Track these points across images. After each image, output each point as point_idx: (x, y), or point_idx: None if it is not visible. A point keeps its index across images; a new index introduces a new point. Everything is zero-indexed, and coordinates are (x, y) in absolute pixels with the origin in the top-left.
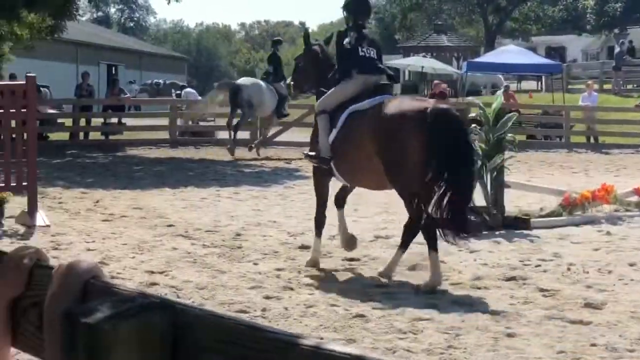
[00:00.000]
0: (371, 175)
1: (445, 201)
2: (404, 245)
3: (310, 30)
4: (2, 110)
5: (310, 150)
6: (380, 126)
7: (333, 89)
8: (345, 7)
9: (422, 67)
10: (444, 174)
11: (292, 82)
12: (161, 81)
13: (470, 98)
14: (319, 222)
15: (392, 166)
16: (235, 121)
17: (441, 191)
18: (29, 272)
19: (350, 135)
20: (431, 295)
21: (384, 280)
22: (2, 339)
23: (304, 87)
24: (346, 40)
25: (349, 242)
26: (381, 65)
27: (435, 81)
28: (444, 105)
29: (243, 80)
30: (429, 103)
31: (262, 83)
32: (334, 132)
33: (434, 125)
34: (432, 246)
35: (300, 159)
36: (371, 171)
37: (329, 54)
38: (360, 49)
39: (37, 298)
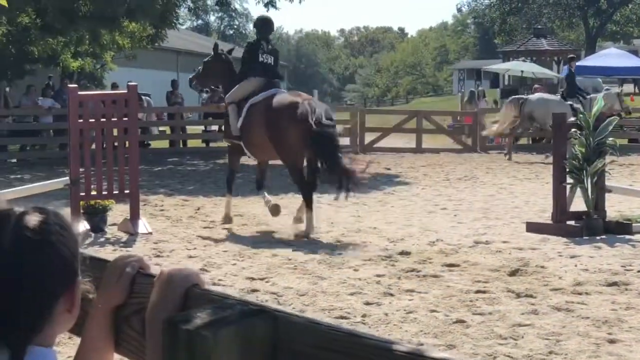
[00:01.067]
0: (268, 151)
1: (320, 169)
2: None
3: (409, 36)
4: (104, 119)
5: (225, 133)
6: (267, 115)
7: (238, 85)
8: (255, 26)
9: (522, 71)
10: (315, 150)
11: (195, 80)
12: None
13: (570, 102)
14: (229, 182)
15: (277, 145)
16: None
17: (317, 162)
18: (132, 280)
19: (251, 121)
20: (531, 301)
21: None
22: (105, 344)
23: (208, 84)
24: (249, 49)
25: (274, 209)
26: (277, 70)
27: (535, 85)
28: (311, 98)
29: (531, 96)
30: (301, 97)
31: (549, 97)
32: (240, 119)
33: (303, 115)
34: (308, 205)
35: (401, 164)
36: (267, 148)
37: (231, 60)
38: (260, 56)
39: (139, 305)
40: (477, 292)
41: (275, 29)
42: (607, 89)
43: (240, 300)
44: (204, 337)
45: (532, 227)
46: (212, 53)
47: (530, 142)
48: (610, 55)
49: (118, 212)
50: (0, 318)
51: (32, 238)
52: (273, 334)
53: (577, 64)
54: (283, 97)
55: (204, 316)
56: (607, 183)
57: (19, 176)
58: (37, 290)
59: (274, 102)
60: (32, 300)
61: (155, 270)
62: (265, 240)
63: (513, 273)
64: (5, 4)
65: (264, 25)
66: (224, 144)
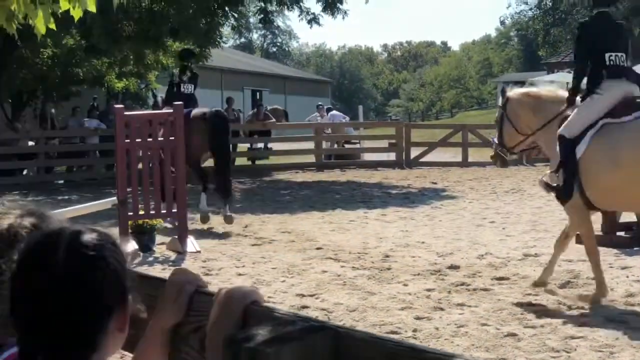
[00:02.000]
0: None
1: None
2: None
3: (452, 50)
4: (150, 139)
5: None
6: (186, 124)
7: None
8: (179, 55)
9: (567, 83)
10: (214, 154)
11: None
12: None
13: None
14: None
15: (188, 149)
16: None
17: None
18: (190, 298)
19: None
20: (583, 313)
21: None
22: None
23: None
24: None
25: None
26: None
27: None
28: (216, 110)
29: None
30: (208, 110)
31: None
32: None
33: (207, 124)
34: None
35: (447, 178)
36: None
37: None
38: (182, 86)
39: (198, 324)
40: (528, 304)
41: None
42: None
43: (301, 316)
44: (266, 355)
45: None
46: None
47: None
48: None
49: (166, 231)
50: (58, 336)
51: (86, 254)
52: (334, 350)
53: None
54: (198, 109)
55: (265, 333)
56: None
57: (66, 197)
58: (94, 306)
59: (192, 113)
60: (89, 317)
61: (213, 288)
62: (313, 256)
63: (563, 285)
64: (54, 27)
65: (187, 54)
66: (270, 161)
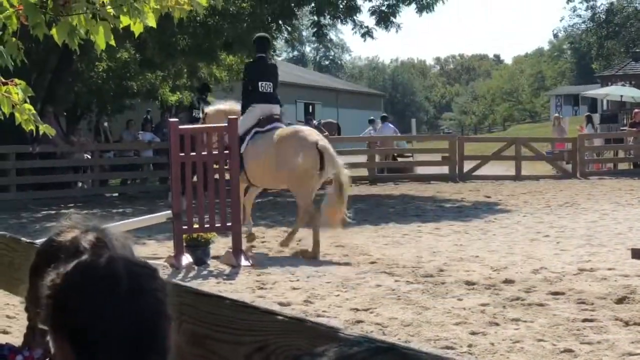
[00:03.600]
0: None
1: None
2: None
3: (504, 62)
4: (205, 152)
5: None
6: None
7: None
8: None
9: (621, 96)
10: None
11: None
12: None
13: None
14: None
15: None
16: None
17: None
18: None
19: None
20: None
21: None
22: None
23: None
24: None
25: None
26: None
27: (636, 110)
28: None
29: None
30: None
31: None
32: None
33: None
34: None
35: (501, 192)
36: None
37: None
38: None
39: (261, 343)
40: (584, 320)
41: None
42: None
43: (366, 337)
44: None
45: (638, 254)
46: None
47: (632, 167)
48: None
49: (221, 244)
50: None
51: (144, 268)
52: None
53: None
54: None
55: (330, 354)
56: None
57: (120, 210)
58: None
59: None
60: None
61: (266, 302)
62: (367, 270)
63: (620, 301)
64: (114, 43)
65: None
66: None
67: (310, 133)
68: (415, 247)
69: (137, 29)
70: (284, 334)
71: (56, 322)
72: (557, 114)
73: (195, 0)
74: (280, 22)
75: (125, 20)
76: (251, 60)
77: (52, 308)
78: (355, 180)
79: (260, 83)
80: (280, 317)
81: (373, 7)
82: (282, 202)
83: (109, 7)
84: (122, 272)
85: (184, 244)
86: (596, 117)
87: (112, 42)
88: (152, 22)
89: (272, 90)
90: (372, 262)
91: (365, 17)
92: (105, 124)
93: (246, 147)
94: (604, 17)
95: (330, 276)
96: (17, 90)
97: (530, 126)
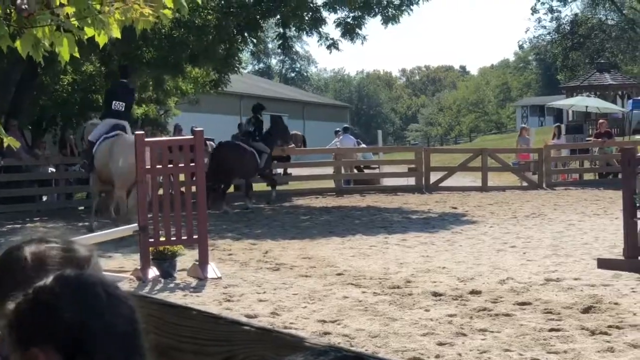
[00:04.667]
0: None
1: None
2: None
3: (470, 74)
4: (171, 165)
5: None
6: None
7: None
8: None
9: (586, 106)
10: None
11: None
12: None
13: (637, 136)
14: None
15: None
16: None
17: None
18: None
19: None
20: (606, 338)
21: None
22: None
23: None
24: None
25: None
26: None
27: (600, 120)
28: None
29: None
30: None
31: None
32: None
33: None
34: None
35: (467, 203)
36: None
37: None
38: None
39: (229, 353)
40: (551, 330)
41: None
42: None
43: (333, 346)
44: None
45: (604, 264)
46: None
47: (597, 177)
48: None
49: (187, 257)
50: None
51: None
52: None
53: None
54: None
55: None
56: None
57: (87, 223)
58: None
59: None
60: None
61: (234, 314)
62: (334, 282)
63: (586, 310)
64: (78, 55)
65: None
66: (289, 187)
67: (132, 139)
68: (382, 259)
69: (101, 40)
70: (250, 344)
71: (38, 337)
72: (524, 125)
73: (161, 12)
74: (245, 34)
75: (89, 32)
76: (116, 83)
77: (30, 324)
78: (322, 191)
79: (114, 102)
80: (246, 328)
81: (338, 19)
82: (249, 214)
83: (73, 18)
84: (98, 282)
85: (151, 257)
86: (562, 128)
87: (76, 54)
88: (116, 33)
89: (123, 109)
90: (339, 274)
91: (331, 29)
92: (71, 137)
93: (95, 151)
94: (568, 28)
95: (297, 288)
96: None
97: (496, 137)
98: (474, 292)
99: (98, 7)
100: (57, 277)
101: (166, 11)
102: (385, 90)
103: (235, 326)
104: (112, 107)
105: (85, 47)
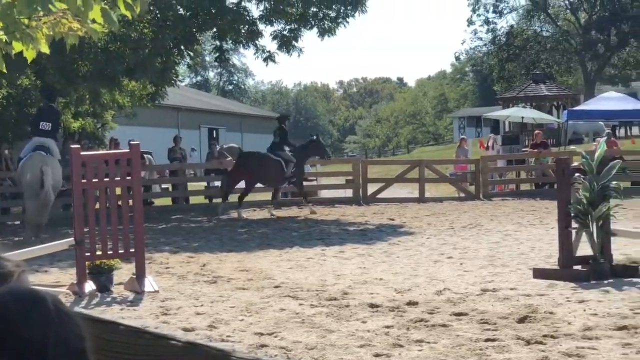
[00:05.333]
0: None
1: None
2: None
3: (407, 85)
4: (107, 179)
5: None
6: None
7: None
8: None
9: (522, 117)
10: None
11: None
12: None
13: (572, 147)
14: None
15: None
16: None
17: None
18: None
19: None
20: (542, 348)
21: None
22: None
23: None
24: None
25: None
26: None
27: (536, 131)
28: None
29: None
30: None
31: None
32: None
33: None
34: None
35: (405, 214)
36: None
37: None
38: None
39: None
40: (487, 340)
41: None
42: (608, 132)
43: (255, 358)
44: None
45: (539, 273)
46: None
47: (533, 187)
48: (609, 99)
49: (124, 271)
50: None
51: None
52: None
53: (577, 108)
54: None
55: None
56: (613, 227)
57: (22, 238)
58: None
59: None
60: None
61: (171, 328)
62: (272, 294)
63: (522, 320)
64: (4, 70)
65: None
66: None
67: (39, 158)
68: (320, 271)
69: (29, 55)
70: (178, 358)
71: None
72: (463, 136)
73: (89, 27)
74: (182, 47)
75: (17, 47)
76: (43, 105)
77: None
78: (260, 204)
79: (41, 123)
80: (173, 342)
81: (275, 31)
82: (186, 227)
83: (1, 33)
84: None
85: (87, 271)
86: (499, 139)
87: (3, 69)
88: (44, 48)
89: (49, 129)
90: (276, 286)
91: (267, 42)
92: (6, 151)
93: (20, 166)
94: (504, 39)
95: (235, 301)
96: None
97: (433, 148)
98: (411, 303)
99: (26, 21)
100: (8, 291)
101: (95, 26)
102: (323, 102)
103: (163, 341)
104: (40, 127)
105: (20, 60)
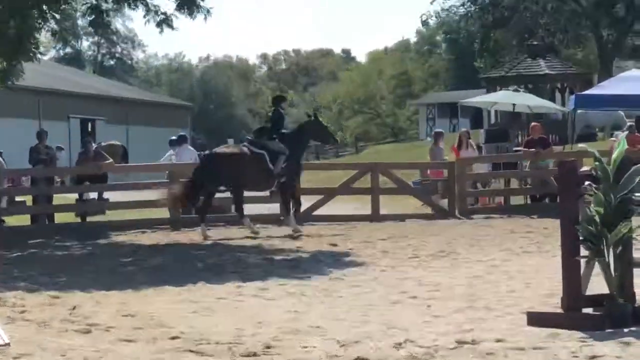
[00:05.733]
0: None
1: None
2: None
3: (357, 60)
4: None
5: None
6: None
7: None
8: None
9: (514, 105)
10: None
11: None
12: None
13: (582, 145)
14: None
15: None
16: None
17: None
18: None
19: None
20: None
21: None
22: None
23: None
24: None
25: None
26: None
27: (533, 123)
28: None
29: None
30: None
31: None
32: None
33: None
34: None
35: (351, 238)
36: None
37: None
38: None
39: None
40: None
41: None
42: (630, 126)
43: None
44: None
45: (536, 319)
46: None
47: (529, 201)
48: (632, 79)
49: None
50: None
51: None
52: None
53: (589, 92)
54: None
55: None
56: (636, 254)
57: None
58: None
59: None
60: None
61: None
62: (167, 349)
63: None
64: None
65: None
66: (106, 217)
67: None
68: (234, 316)
69: None
70: None
71: None
72: (439, 130)
73: None
74: (44, 6)
75: None
76: None
77: None
78: (152, 224)
79: None
80: None
81: None
82: (49, 256)
83: None
84: None
85: None
86: (480, 134)
87: None
88: None
89: None
90: (174, 337)
91: (162, 1)
92: None
93: None
94: None
95: (115, 356)
96: None
97: (392, 147)
98: None
99: None
100: None
101: None
102: (240, 83)
103: None
104: None
105: None
